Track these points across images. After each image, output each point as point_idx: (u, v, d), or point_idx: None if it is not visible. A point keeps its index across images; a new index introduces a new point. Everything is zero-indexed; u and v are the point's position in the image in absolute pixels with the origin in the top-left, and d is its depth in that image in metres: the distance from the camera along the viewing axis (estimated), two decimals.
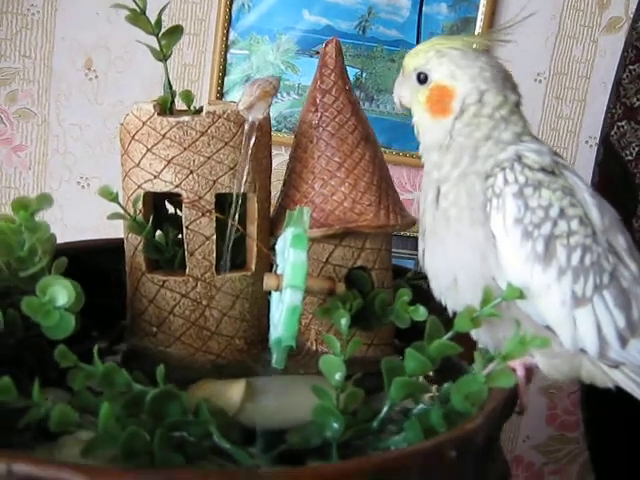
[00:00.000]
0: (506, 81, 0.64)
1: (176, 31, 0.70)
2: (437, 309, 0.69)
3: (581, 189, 0.62)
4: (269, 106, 0.68)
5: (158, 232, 0.74)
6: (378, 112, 1.26)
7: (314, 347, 0.76)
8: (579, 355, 0.61)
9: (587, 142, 1.29)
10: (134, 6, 0.67)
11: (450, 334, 0.60)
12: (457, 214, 0.62)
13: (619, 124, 1.24)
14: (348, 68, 1.23)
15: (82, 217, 1.25)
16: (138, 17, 0.67)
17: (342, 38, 1.22)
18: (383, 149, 1.24)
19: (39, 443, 0.55)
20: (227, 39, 1.23)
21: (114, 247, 0.77)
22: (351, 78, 1.24)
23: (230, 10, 1.22)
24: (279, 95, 1.26)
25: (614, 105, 1.23)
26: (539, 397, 1.37)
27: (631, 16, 1.24)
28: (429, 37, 1.22)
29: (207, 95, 1.26)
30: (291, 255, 0.63)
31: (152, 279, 0.71)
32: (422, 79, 0.65)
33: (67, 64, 1.26)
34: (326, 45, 0.77)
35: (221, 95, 1.25)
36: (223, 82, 1.25)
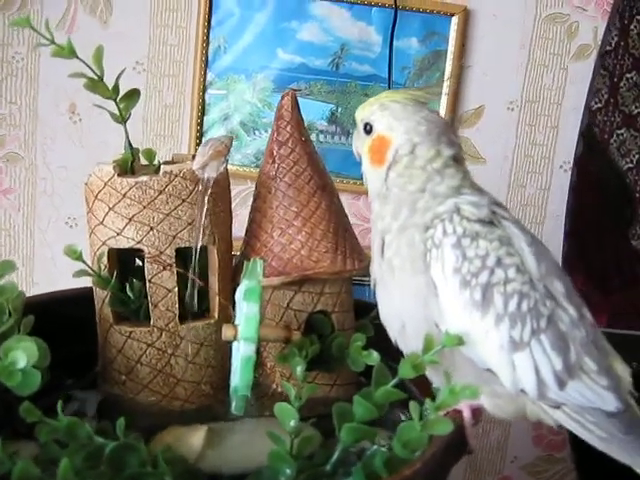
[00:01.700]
0: (442, 135, 0.67)
1: (133, 94, 0.73)
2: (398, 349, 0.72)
3: (519, 238, 0.65)
4: (223, 164, 0.72)
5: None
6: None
7: (279, 389, 0.79)
8: (521, 396, 0.64)
9: (561, 167, 1.32)
10: (92, 75, 0.70)
11: (395, 380, 0.63)
12: (400, 264, 0.65)
13: (618, 132, 1.26)
14: (323, 104, 1.29)
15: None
16: (96, 84, 0.70)
17: (316, 75, 1.28)
18: (358, 182, 1.28)
19: None
20: (205, 80, 1.27)
21: (89, 296, 0.80)
22: (326, 114, 1.29)
23: (207, 52, 1.26)
24: (257, 132, 1.29)
25: (612, 113, 1.25)
26: None
27: (599, 43, 1.26)
28: (401, 71, 1.27)
29: (188, 134, 1.30)
30: (244, 308, 0.66)
31: (119, 330, 0.74)
32: (368, 130, 0.69)
33: (51, 109, 1.31)
34: (282, 98, 0.80)
35: (201, 134, 1.29)
36: (202, 121, 1.29)
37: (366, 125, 0.69)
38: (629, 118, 1.28)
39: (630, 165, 1.30)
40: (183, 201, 0.72)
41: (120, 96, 0.72)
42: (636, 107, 1.28)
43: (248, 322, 0.65)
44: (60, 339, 0.73)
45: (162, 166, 0.72)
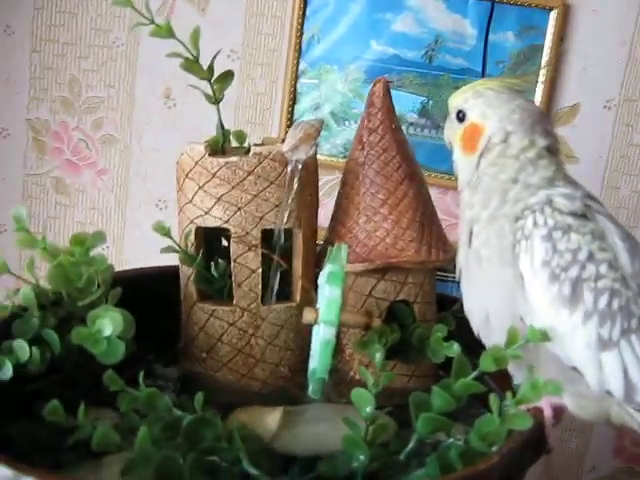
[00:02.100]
0: (536, 125, 0.65)
1: (227, 76, 0.74)
2: (479, 342, 0.71)
3: (612, 233, 0.63)
4: (313, 147, 0.72)
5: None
6: (444, 140, 1.27)
7: (357, 377, 0.79)
8: (606, 397, 0.62)
9: None
10: (188, 54, 0.71)
11: (475, 373, 0.62)
12: (488, 254, 0.64)
13: None
14: (415, 97, 1.28)
15: (161, 238, 1.32)
16: (192, 64, 0.72)
17: (409, 67, 1.26)
18: (446, 176, 1.27)
19: (85, 462, 0.60)
20: (297, 69, 1.28)
21: (176, 273, 0.82)
22: (418, 106, 1.28)
23: (300, 41, 1.27)
24: (347, 123, 1.29)
25: None
26: (607, 427, 1.34)
27: None
28: (495, 65, 1.25)
29: (278, 122, 1.31)
30: (326, 291, 0.66)
31: (202, 308, 0.75)
32: (461, 118, 0.69)
33: (148, 93, 1.34)
34: (374, 85, 0.80)
35: (291, 122, 1.30)
36: (293, 110, 1.30)
37: (459, 113, 0.68)
38: None
39: None
40: (271, 183, 0.72)
41: (215, 77, 0.73)
42: None
43: (329, 305, 0.65)
44: (146, 314, 0.74)
45: (252, 147, 0.72)
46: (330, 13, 1.25)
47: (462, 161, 0.68)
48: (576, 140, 1.27)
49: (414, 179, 0.79)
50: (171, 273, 0.83)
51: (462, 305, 0.86)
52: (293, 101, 1.30)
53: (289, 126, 1.30)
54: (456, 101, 0.70)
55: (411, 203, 0.77)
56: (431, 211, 0.80)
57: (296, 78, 1.29)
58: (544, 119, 0.67)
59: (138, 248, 1.39)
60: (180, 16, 1.29)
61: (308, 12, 1.26)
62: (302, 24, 1.26)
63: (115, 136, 1.37)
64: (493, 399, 0.56)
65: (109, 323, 0.61)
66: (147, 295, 0.80)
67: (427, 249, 0.77)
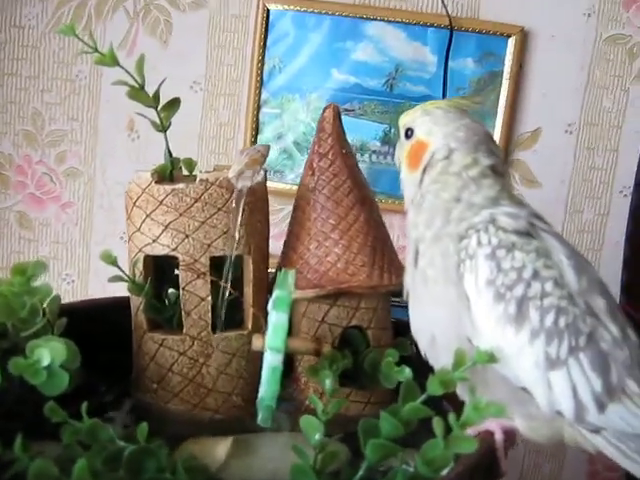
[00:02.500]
0: (481, 144, 0.65)
1: (174, 104, 0.74)
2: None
3: (558, 250, 0.62)
4: (259, 173, 0.72)
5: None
6: None
7: (312, 405, 0.78)
8: (557, 418, 0.61)
9: (621, 192, 1.28)
10: (133, 82, 0.71)
11: (422, 397, 0.61)
12: (433, 274, 0.64)
13: None
14: (377, 124, 1.28)
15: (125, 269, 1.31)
16: (137, 92, 0.71)
17: (370, 95, 1.27)
18: None
19: None
20: (259, 99, 1.29)
21: (127, 304, 0.81)
22: (380, 134, 1.28)
23: (262, 71, 1.28)
24: (308, 151, 1.29)
25: None
26: (579, 452, 1.33)
27: None
28: (456, 92, 1.26)
29: None
30: (272, 317, 0.65)
31: (152, 338, 0.74)
32: (408, 135, 0.69)
33: (111, 126, 1.34)
34: (324, 111, 0.80)
35: None
36: (256, 140, 1.30)
37: (407, 130, 0.69)
38: None
39: None
40: (219, 209, 0.72)
41: (161, 105, 0.73)
42: None
43: (275, 331, 0.64)
44: (100, 345, 0.74)
45: (198, 174, 0.72)
46: (291, 43, 1.26)
47: (407, 179, 0.69)
48: (538, 165, 1.28)
49: (365, 203, 0.78)
50: (124, 303, 0.82)
51: None
52: (256, 131, 1.30)
53: None
54: (405, 119, 0.70)
55: (362, 228, 0.77)
56: (383, 235, 0.79)
57: (258, 108, 1.29)
58: (490, 139, 0.67)
59: (104, 281, 1.37)
60: (143, 49, 1.29)
61: (269, 42, 1.27)
62: (263, 54, 1.27)
63: (79, 169, 1.36)
64: (437, 423, 0.55)
65: (47, 353, 0.60)
66: (100, 326, 0.79)
67: (379, 273, 0.76)
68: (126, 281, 0.73)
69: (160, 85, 0.73)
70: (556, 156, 1.28)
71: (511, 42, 1.23)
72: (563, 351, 0.59)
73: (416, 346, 0.79)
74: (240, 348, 0.75)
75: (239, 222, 0.71)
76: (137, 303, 0.75)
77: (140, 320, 0.75)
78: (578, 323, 0.60)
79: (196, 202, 0.71)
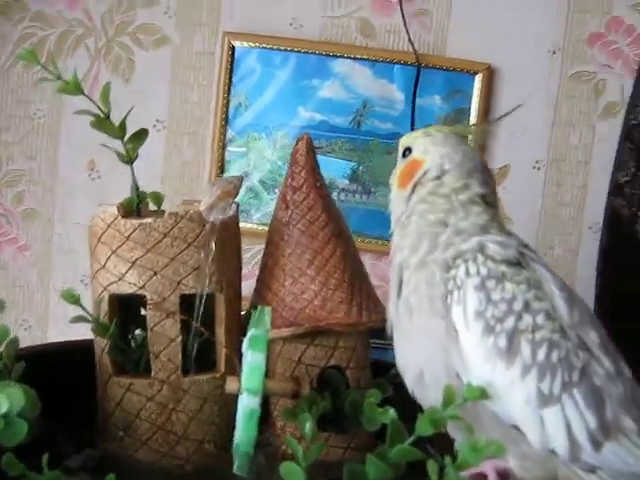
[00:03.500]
0: (475, 172, 0.63)
1: (141, 134, 0.70)
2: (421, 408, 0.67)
3: (549, 281, 0.60)
4: (231, 206, 0.68)
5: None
6: (377, 204, 1.26)
7: (289, 450, 0.73)
8: (552, 458, 0.58)
9: (590, 228, 1.27)
10: (98, 111, 0.68)
11: (412, 438, 0.57)
12: (418, 304, 0.61)
13: None
14: (344, 162, 1.26)
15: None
16: (102, 122, 0.68)
17: (338, 133, 1.25)
18: (381, 241, 1.24)
19: None
20: (224, 137, 1.26)
21: (89, 347, 0.77)
22: (348, 172, 1.26)
23: (227, 109, 1.25)
24: (276, 190, 1.27)
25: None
26: None
27: (627, 100, 1.23)
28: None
29: None
30: (248, 357, 0.62)
31: (118, 382, 0.70)
32: (405, 154, 0.67)
33: (71, 165, 1.30)
34: (297, 143, 0.77)
35: None
36: None
37: (405, 150, 0.67)
38: None
39: None
40: (189, 245, 0.68)
41: (128, 136, 0.70)
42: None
43: (252, 372, 0.61)
44: (59, 391, 0.69)
45: (167, 209, 0.68)
46: (256, 80, 1.25)
47: (396, 197, 0.66)
48: (508, 201, 1.27)
49: (341, 237, 0.75)
50: (86, 346, 0.77)
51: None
52: (221, 170, 1.27)
53: None
54: (406, 140, 0.69)
55: (339, 263, 0.74)
56: (360, 271, 0.76)
57: (224, 147, 1.27)
58: (485, 170, 0.65)
59: (63, 327, 1.32)
60: None
61: (234, 80, 1.25)
62: (228, 92, 1.25)
63: (37, 210, 1.31)
64: (431, 466, 0.52)
65: (5, 400, 0.55)
66: (60, 370, 0.74)
67: (358, 310, 0.73)
68: (90, 322, 0.69)
69: (126, 115, 0.70)
70: (525, 192, 1.27)
71: (478, 79, 1.23)
72: (556, 387, 0.56)
73: (397, 385, 0.77)
74: (212, 392, 0.70)
75: (211, 258, 0.67)
76: (102, 345, 0.70)
77: (105, 363, 0.71)
78: (571, 357, 0.57)
79: (165, 237, 0.68)
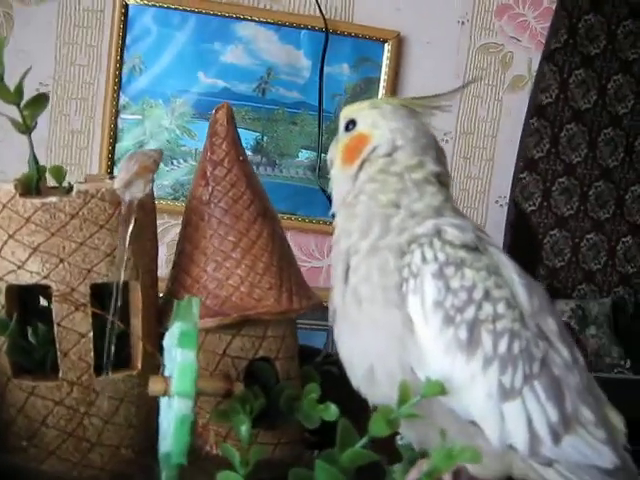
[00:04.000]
0: (429, 149, 0.58)
1: (40, 100, 0.61)
2: (351, 398, 0.62)
3: (508, 268, 0.56)
4: (150, 182, 0.60)
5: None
6: (282, 177, 1.20)
7: (214, 450, 0.67)
8: (509, 453, 0.54)
9: (497, 202, 1.27)
10: None
11: (364, 440, 0.53)
12: (369, 293, 0.55)
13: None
14: (248, 132, 1.19)
15: None
16: None
17: (241, 101, 1.18)
18: (288, 216, 1.19)
19: None
20: (117, 103, 1.16)
21: None
22: (251, 142, 1.19)
23: (120, 73, 1.15)
24: (175, 162, 1.18)
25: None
26: None
27: (534, 74, 1.23)
28: (332, 99, 1.19)
29: (97, 163, 1.17)
30: (178, 356, 0.55)
31: (19, 385, 0.61)
32: (349, 128, 0.60)
33: None
34: (216, 112, 0.70)
35: (112, 162, 1.17)
36: (114, 149, 1.17)
37: (349, 123, 0.60)
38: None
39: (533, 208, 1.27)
40: (101, 227, 0.60)
41: (24, 102, 0.60)
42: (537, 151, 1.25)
43: (183, 373, 0.54)
44: None
45: (75, 185, 0.60)
46: (153, 42, 1.15)
47: (339, 175, 0.60)
48: None
49: (267, 217, 0.69)
50: None
51: (327, 356, 0.78)
52: (114, 139, 1.17)
53: (110, 166, 1.17)
54: (348, 111, 0.62)
55: (267, 245, 0.68)
56: (288, 253, 0.70)
57: (116, 113, 1.17)
58: (438, 147, 0.60)
59: None
60: None
61: (128, 41, 1.15)
62: (122, 54, 1.15)
63: None
64: (399, 471, 0.47)
65: None
66: None
67: (288, 296, 0.67)
68: None
69: (23, 78, 0.61)
70: None
71: (387, 47, 1.19)
72: (517, 380, 0.53)
73: (324, 373, 0.72)
74: (129, 392, 0.63)
75: (128, 241, 0.59)
76: None
77: (3, 364, 0.61)
78: (531, 348, 0.54)
79: (72, 219, 0.59)
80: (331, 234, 1.16)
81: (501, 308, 0.53)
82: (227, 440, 0.67)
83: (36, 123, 0.62)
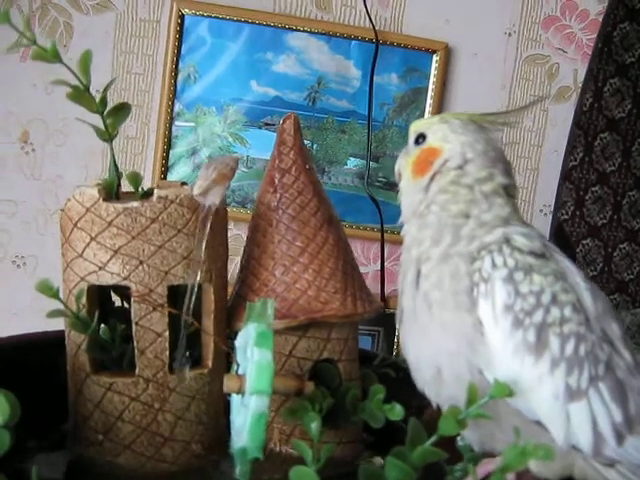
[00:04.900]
0: (498, 162, 0.60)
1: (123, 109, 0.64)
2: (409, 400, 0.64)
3: (573, 273, 0.58)
4: (226, 190, 0.63)
5: (103, 326, 0.67)
6: (330, 184, 1.22)
7: (277, 448, 0.70)
8: (572, 452, 0.56)
9: (542, 211, 1.28)
10: (76, 82, 0.61)
11: (434, 438, 0.54)
12: (440, 298, 0.58)
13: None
14: None
15: (17, 298, 1.17)
16: (81, 95, 0.62)
17: (291, 109, 1.20)
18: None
19: None
20: (172, 111, 1.19)
21: (54, 341, 0.70)
22: None
23: (175, 81, 1.18)
24: None
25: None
26: None
27: (579, 85, 1.24)
28: (380, 108, 1.21)
29: (151, 168, 1.21)
30: (255, 355, 0.57)
31: (98, 381, 0.64)
32: (419, 142, 0.63)
33: (2, 137, 1.19)
34: (284, 121, 0.73)
35: (166, 168, 1.20)
36: (168, 155, 1.20)
37: (419, 137, 0.62)
38: None
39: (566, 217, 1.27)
40: (179, 231, 0.63)
41: (107, 110, 0.63)
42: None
43: (261, 372, 0.56)
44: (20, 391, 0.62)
45: (156, 191, 0.62)
46: (207, 51, 1.18)
47: (409, 186, 0.62)
48: None
49: (332, 224, 0.71)
50: (48, 341, 0.71)
51: (383, 359, 0.80)
52: (168, 145, 1.20)
53: (164, 172, 1.20)
54: (419, 125, 0.64)
55: (332, 250, 0.70)
56: (351, 259, 0.73)
57: (171, 120, 1.20)
58: (506, 159, 0.62)
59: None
60: None
61: (183, 50, 1.18)
62: (177, 63, 1.18)
63: None
64: (472, 469, 0.49)
65: None
66: (21, 367, 0.67)
67: (352, 300, 0.69)
68: (68, 316, 0.62)
69: (107, 87, 0.64)
70: None
71: (435, 58, 1.21)
72: (583, 381, 0.55)
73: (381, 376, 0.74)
74: (200, 390, 0.65)
75: (204, 246, 0.62)
76: (78, 341, 0.64)
77: (81, 361, 0.64)
78: (596, 350, 0.56)
79: (152, 223, 0.62)
80: (377, 240, 1.19)
81: (568, 312, 0.55)
82: (291, 438, 0.70)
83: (117, 131, 0.65)
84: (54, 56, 0.59)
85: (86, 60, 0.61)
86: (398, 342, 1.25)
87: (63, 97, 0.63)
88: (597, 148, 1.24)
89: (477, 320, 0.56)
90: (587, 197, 1.26)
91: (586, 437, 0.55)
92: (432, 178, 0.60)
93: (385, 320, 1.25)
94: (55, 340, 0.69)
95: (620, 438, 0.55)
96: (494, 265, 0.56)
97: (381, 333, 1.26)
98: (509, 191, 0.61)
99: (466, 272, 0.57)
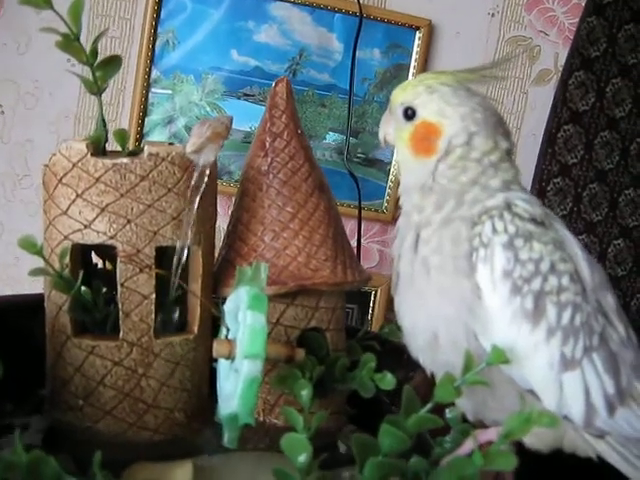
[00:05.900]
0: (498, 126, 0.59)
1: (113, 62, 0.62)
2: (390, 372, 0.63)
3: (572, 243, 0.58)
4: (220, 148, 0.61)
5: (85, 289, 0.65)
6: None
7: (261, 418, 0.68)
8: (563, 423, 0.56)
9: None
10: (66, 30, 0.58)
11: (430, 405, 0.53)
12: (439, 263, 0.57)
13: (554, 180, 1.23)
14: None
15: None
16: (70, 43, 0.59)
17: (271, 80, 1.17)
18: None
19: None
20: (149, 77, 1.16)
21: (30, 304, 0.67)
22: None
23: (153, 47, 1.15)
24: None
25: (549, 162, 1.22)
26: None
27: (560, 69, 1.24)
28: (361, 83, 1.20)
29: None
30: (249, 318, 0.55)
31: (79, 344, 0.61)
32: (409, 115, 0.60)
33: None
34: (276, 84, 0.71)
35: (141, 136, 1.17)
36: (143, 122, 1.17)
37: (407, 110, 0.59)
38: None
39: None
40: (169, 190, 0.60)
41: (97, 62, 0.61)
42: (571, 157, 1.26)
43: (254, 335, 0.54)
44: None
45: (146, 147, 0.60)
46: (187, 17, 1.15)
47: (412, 163, 0.60)
48: None
49: (324, 190, 0.70)
50: (25, 303, 0.68)
51: (367, 332, 0.79)
52: (144, 112, 1.17)
53: (138, 140, 1.17)
54: (404, 96, 0.60)
55: (323, 217, 0.68)
56: (341, 227, 0.71)
57: (147, 87, 1.16)
58: (503, 120, 0.61)
59: None
60: (12, 12, 1.12)
61: (163, 15, 1.14)
62: (155, 28, 1.14)
63: None
64: (472, 436, 0.48)
65: None
66: None
67: (343, 269, 0.68)
68: (50, 274, 0.59)
69: (98, 38, 0.61)
70: None
71: (418, 35, 1.20)
72: (578, 351, 0.55)
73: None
74: (185, 356, 0.64)
75: (196, 206, 0.60)
76: (59, 302, 0.62)
77: (62, 323, 0.62)
78: (591, 321, 0.55)
79: (142, 180, 0.60)
80: (353, 217, 1.17)
81: (565, 281, 0.55)
82: (275, 408, 0.68)
83: (107, 85, 0.63)
84: (44, 1, 0.56)
85: (77, 8, 0.58)
86: (372, 319, 1.24)
87: (35, 58, 0.60)
88: (597, 146, 1.25)
89: (475, 285, 0.55)
90: (585, 194, 1.27)
91: (578, 407, 0.55)
92: (439, 159, 0.58)
93: (359, 297, 1.25)
94: (32, 303, 0.67)
95: (611, 409, 0.55)
96: (494, 230, 0.55)
97: (355, 310, 1.25)
98: (510, 152, 0.60)
99: (466, 236, 0.56)
